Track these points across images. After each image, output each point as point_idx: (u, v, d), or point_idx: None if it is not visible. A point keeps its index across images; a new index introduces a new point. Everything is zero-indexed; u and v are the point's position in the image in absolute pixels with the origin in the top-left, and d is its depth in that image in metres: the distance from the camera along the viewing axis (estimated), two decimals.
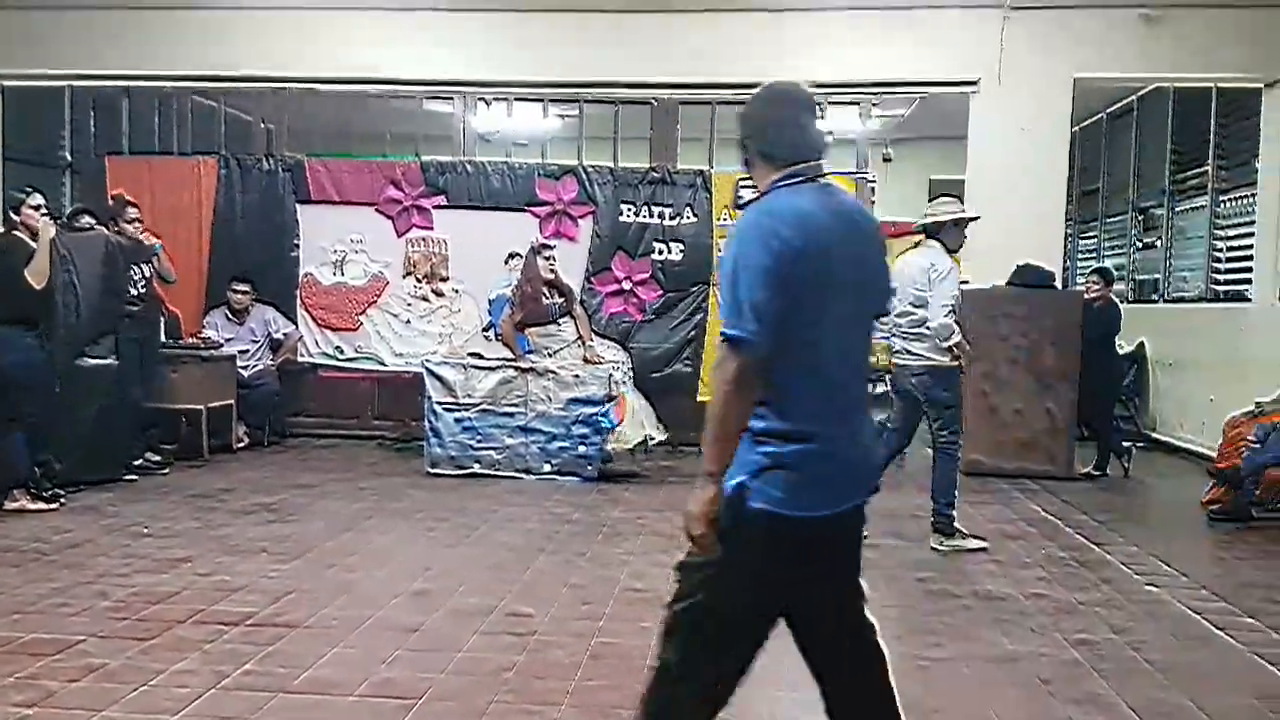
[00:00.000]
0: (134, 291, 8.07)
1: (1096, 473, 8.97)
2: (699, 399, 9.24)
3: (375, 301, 9.70)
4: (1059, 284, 9.49)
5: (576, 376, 8.18)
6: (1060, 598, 5.31)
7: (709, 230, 9.53)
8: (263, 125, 10.34)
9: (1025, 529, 6.84)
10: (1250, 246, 9.86)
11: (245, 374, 9.32)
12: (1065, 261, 11.29)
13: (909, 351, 6.13)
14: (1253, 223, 9.81)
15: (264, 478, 7.94)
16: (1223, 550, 6.58)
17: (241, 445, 9.17)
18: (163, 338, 8.79)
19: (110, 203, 8.31)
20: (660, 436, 8.45)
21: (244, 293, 9.49)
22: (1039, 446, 8.75)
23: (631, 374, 9.04)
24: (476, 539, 6.20)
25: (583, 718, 3.60)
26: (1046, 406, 8.75)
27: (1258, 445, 7.31)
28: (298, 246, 9.75)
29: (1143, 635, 4.72)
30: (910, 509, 6.97)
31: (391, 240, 9.68)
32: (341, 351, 9.67)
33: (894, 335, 6.13)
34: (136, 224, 8.13)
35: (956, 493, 6.22)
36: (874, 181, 10.82)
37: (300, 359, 9.70)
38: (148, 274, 8.24)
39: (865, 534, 2.77)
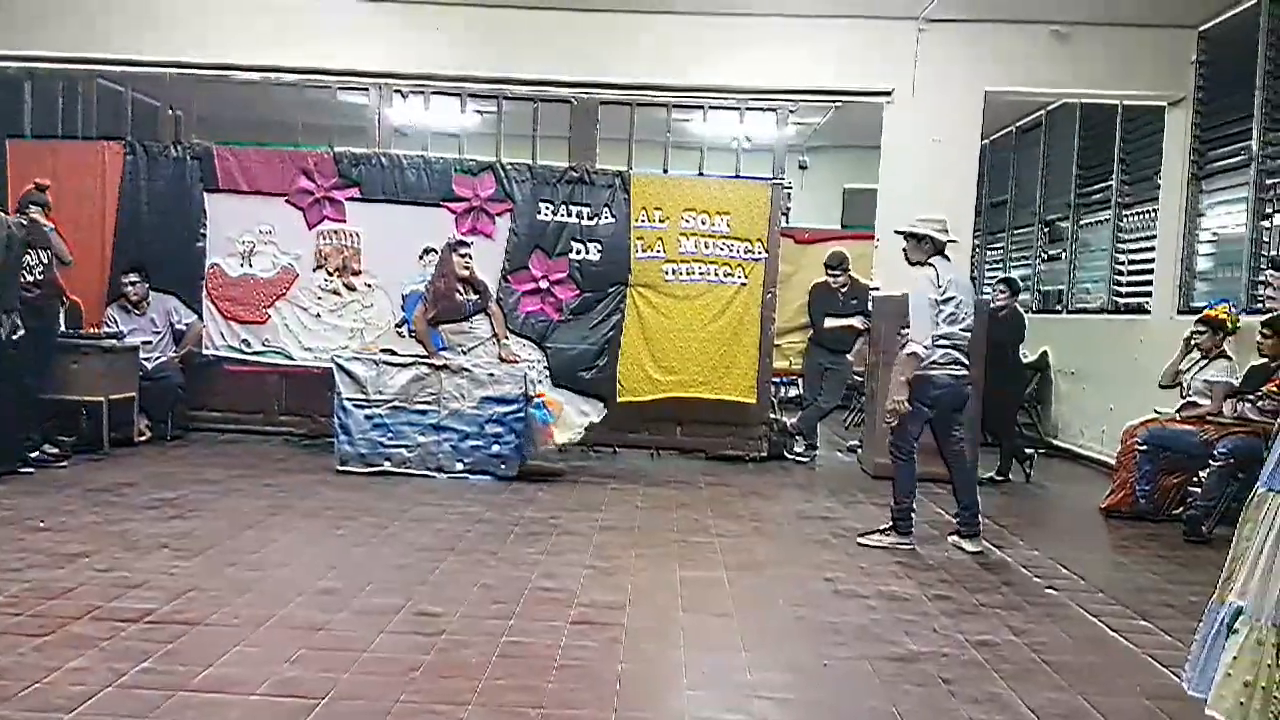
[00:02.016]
0: (31, 277, 7.87)
1: (999, 478, 9.11)
2: (618, 400, 9.31)
3: (284, 294, 9.54)
4: None
5: (491, 375, 8.12)
6: (962, 599, 5.37)
7: (626, 231, 9.53)
8: (171, 111, 10.11)
9: (929, 532, 6.88)
10: (1151, 260, 10.04)
11: (148, 366, 9.15)
12: (973, 271, 11.57)
13: (961, 363, 6.35)
14: (1153, 237, 10.01)
15: (166, 473, 7.80)
16: (1120, 555, 6.70)
17: (143, 439, 9.01)
18: (62, 326, 8.60)
19: (31, 188, 8.14)
20: (597, 417, 8.65)
21: (135, 283, 9.29)
22: None
23: (548, 373, 9.07)
24: (385, 538, 6.13)
25: (490, 717, 3.58)
26: None
27: (1145, 449, 7.54)
28: (204, 236, 9.58)
29: (1042, 637, 4.79)
30: (820, 511, 7.08)
31: (302, 232, 9.54)
32: (248, 345, 9.52)
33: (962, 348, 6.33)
34: (37, 206, 7.94)
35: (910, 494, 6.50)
36: (789, 188, 11.14)
37: (205, 351, 9.54)
38: (46, 260, 8.04)
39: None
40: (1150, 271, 10.01)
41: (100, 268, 9.44)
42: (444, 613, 4.69)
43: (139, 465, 8.04)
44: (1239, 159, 8.83)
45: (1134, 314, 10.23)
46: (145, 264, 9.38)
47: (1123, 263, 10.72)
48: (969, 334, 6.29)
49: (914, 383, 6.15)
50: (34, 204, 7.90)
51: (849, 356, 9.68)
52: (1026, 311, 10.18)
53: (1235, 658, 3.32)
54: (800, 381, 10.54)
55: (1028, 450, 9.52)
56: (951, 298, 6.20)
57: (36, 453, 7.84)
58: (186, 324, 9.54)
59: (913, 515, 6.41)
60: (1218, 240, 9.28)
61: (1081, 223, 11.74)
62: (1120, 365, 9.77)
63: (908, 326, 6.19)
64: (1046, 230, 12.50)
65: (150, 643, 4.14)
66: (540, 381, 8.56)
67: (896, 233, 6.55)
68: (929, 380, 6.23)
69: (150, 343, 9.30)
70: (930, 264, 6.21)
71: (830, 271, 9.68)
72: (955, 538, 6.39)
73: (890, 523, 6.39)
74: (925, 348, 6.09)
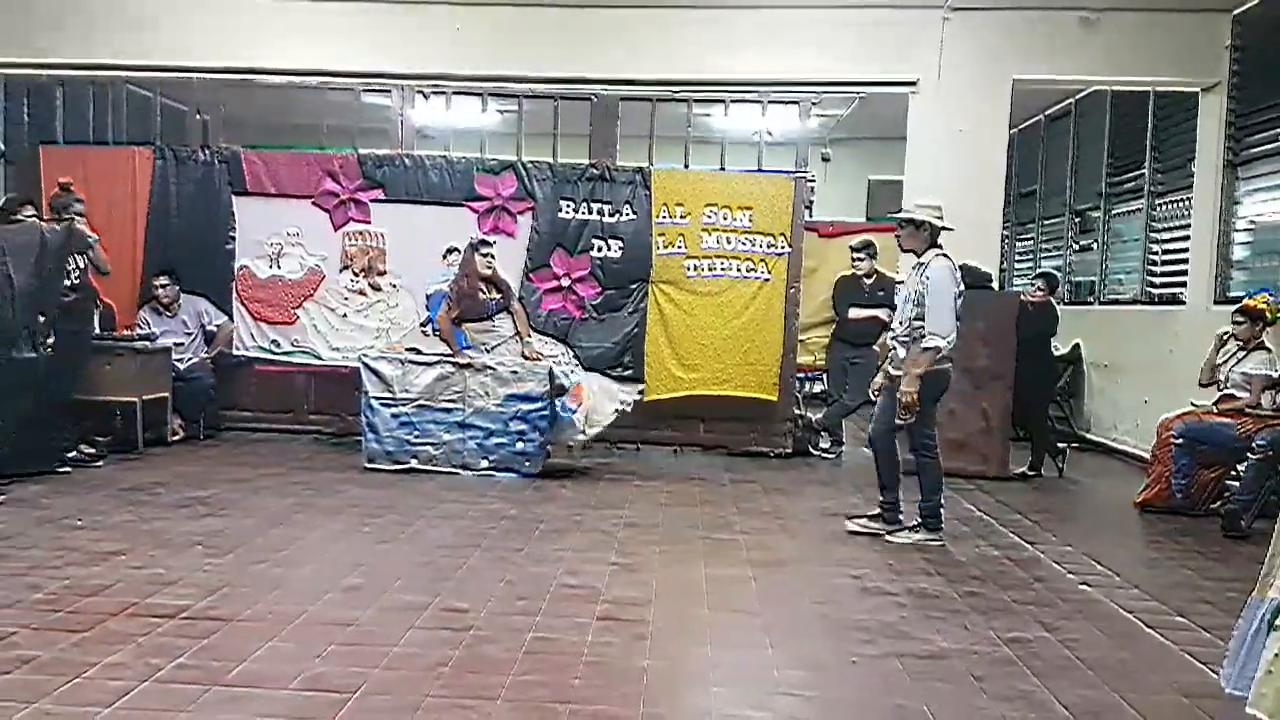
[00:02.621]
0: (68, 282, 7.96)
1: (1031, 473, 9.07)
2: (646, 398, 9.24)
3: (312, 295, 9.63)
4: (995, 285, 9.55)
5: (514, 373, 8.13)
6: (993, 596, 5.34)
7: (648, 228, 9.53)
8: (198, 116, 10.17)
9: (959, 528, 6.84)
10: (1185, 250, 9.93)
11: (180, 367, 9.24)
12: (1002, 264, 11.39)
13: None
14: (1188, 226, 9.90)
15: (198, 472, 7.86)
16: (1154, 550, 6.65)
17: (176, 439, 9.09)
18: (97, 329, 8.68)
19: (55, 192, 8.20)
20: (632, 400, 8.55)
21: (165, 286, 9.40)
22: (973, 447, 8.76)
23: (576, 362, 9.09)
24: (411, 535, 6.15)
25: (517, 712, 3.60)
26: (981, 407, 8.78)
27: (1181, 442, 7.49)
28: (233, 239, 9.66)
29: (1075, 633, 4.77)
30: (845, 507, 7.02)
31: (328, 234, 9.61)
32: (278, 345, 9.61)
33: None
34: (80, 216, 8.02)
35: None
36: (813, 181, 10.88)
37: (235, 352, 9.63)
38: (83, 265, 8.11)
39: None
40: (1185, 261, 9.91)
41: (132, 271, 9.54)
42: (470, 609, 4.71)
43: (172, 464, 8.12)
44: (1277, 144, 8.71)
45: (1168, 305, 10.13)
46: (176, 267, 9.49)
47: (1156, 252, 10.62)
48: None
49: (928, 377, 6.15)
50: (76, 212, 7.98)
51: (875, 348, 9.50)
52: (1058, 303, 10.10)
53: (1277, 655, 3.26)
54: (825, 377, 10.52)
55: (1060, 445, 9.45)
56: (961, 292, 6.23)
57: (73, 453, 7.91)
58: (217, 325, 9.64)
59: (942, 512, 6.40)
60: (1255, 228, 9.15)
61: (1113, 212, 11.64)
62: (1155, 357, 9.70)
63: (920, 319, 6.15)
64: (1077, 220, 12.42)
65: (185, 639, 4.20)
66: (571, 372, 8.52)
67: (890, 216, 6.56)
68: (943, 374, 6.27)
69: (182, 344, 9.39)
70: (945, 254, 6.21)
71: (855, 255, 9.61)
72: (906, 534, 6.41)
73: (918, 520, 6.39)
74: (947, 341, 6.09)
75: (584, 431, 8.17)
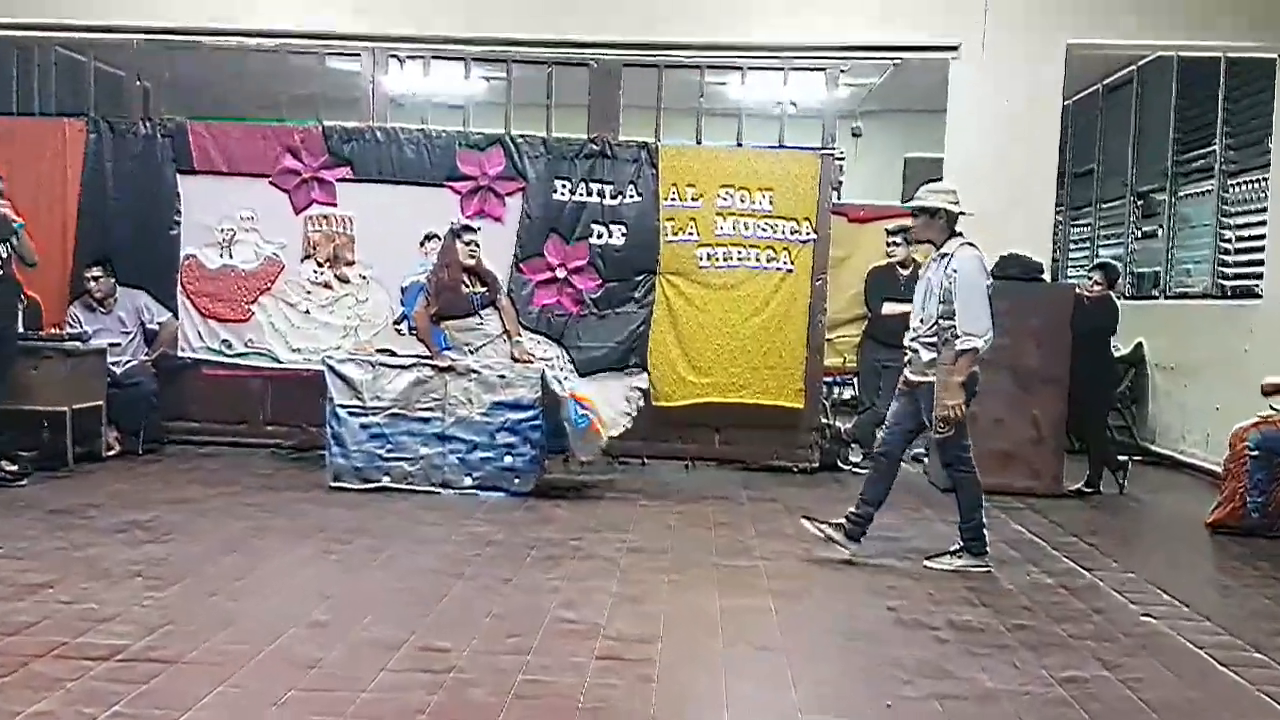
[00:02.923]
0: None
1: (1088, 490, 9.06)
2: (653, 404, 9.32)
3: (269, 288, 9.59)
4: (1047, 276, 9.54)
5: (502, 377, 8.12)
6: (1045, 629, 5.36)
7: (655, 211, 9.52)
8: (139, 83, 10.15)
9: (1007, 552, 6.85)
10: (1262, 236, 9.94)
11: (117, 371, 9.21)
12: (1055, 253, 11.43)
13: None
14: (1264, 210, 9.91)
15: (137, 491, 7.85)
16: (1228, 577, 6.67)
17: (112, 453, 9.06)
18: (20, 328, 8.60)
19: None
20: (641, 392, 8.79)
21: (99, 278, 9.36)
22: (1022, 460, 8.79)
23: (572, 366, 9.15)
24: (385, 562, 6.15)
25: None
26: (1031, 414, 8.79)
27: (1257, 455, 7.49)
28: (178, 224, 9.64)
29: (1138, 672, 4.76)
30: (880, 529, 6.98)
31: (288, 218, 9.59)
32: (229, 346, 9.58)
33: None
34: (1, 198, 7.97)
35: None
36: (841, 158, 10.91)
37: (181, 354, 9.60)
38: (5, 254, 8.07)
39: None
40: (1261, 249, 9.91)
41: (61, 261, 9.49)
42: (452, 648, 4.69)
43: (107, 483, 8.07)
44: None
45: (1242, 298, 10.15)
46: (111, 256, 9.44)
47: (1229, 239, 10.63)
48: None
49: (965, 381, 6.18)
50: None
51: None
52: (1118, 297, 10.06)
53: None
54: (855, 381, 10.50)
55: (1121, 457, 9.48)
56: (992, 281, 6.28)
57: None
58: (159, 323, 9.59)
59: (985, 533, 6.40)
60: None
61: (1180, 194, 11.66)
62: (1227, 358, 9.70)
63: (949, 317, 6.18)
64: (1140, 203, 12.44)
65: (121, 683, 4.14)
66: (566, 378, 8.57)
67: (905, 205, 6.56)
68: (974, 377, 6.29)
69: (119, 345, 9.34)
70: (970, 243, 6.26)
71: (890, 242, 9.60)
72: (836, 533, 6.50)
73: (959, 543, 6.40)
74: (985, 341, 6.14)
75: (604, 439, 8.26)
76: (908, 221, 8.76)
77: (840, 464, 9.79)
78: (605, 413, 8.32)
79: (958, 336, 6.09)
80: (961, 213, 6.33)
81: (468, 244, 8.32)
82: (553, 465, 8.54)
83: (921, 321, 6.33)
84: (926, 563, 6.36)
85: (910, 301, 8.51)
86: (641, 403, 8.64)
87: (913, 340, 6.38)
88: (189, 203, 9.60)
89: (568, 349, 9.36)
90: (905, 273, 9.49)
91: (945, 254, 6.24)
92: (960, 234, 6.29)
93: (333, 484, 8.12)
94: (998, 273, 8.54)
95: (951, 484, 6.39)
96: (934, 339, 6.23)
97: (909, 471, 9.35)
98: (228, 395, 9.73)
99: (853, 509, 6.46)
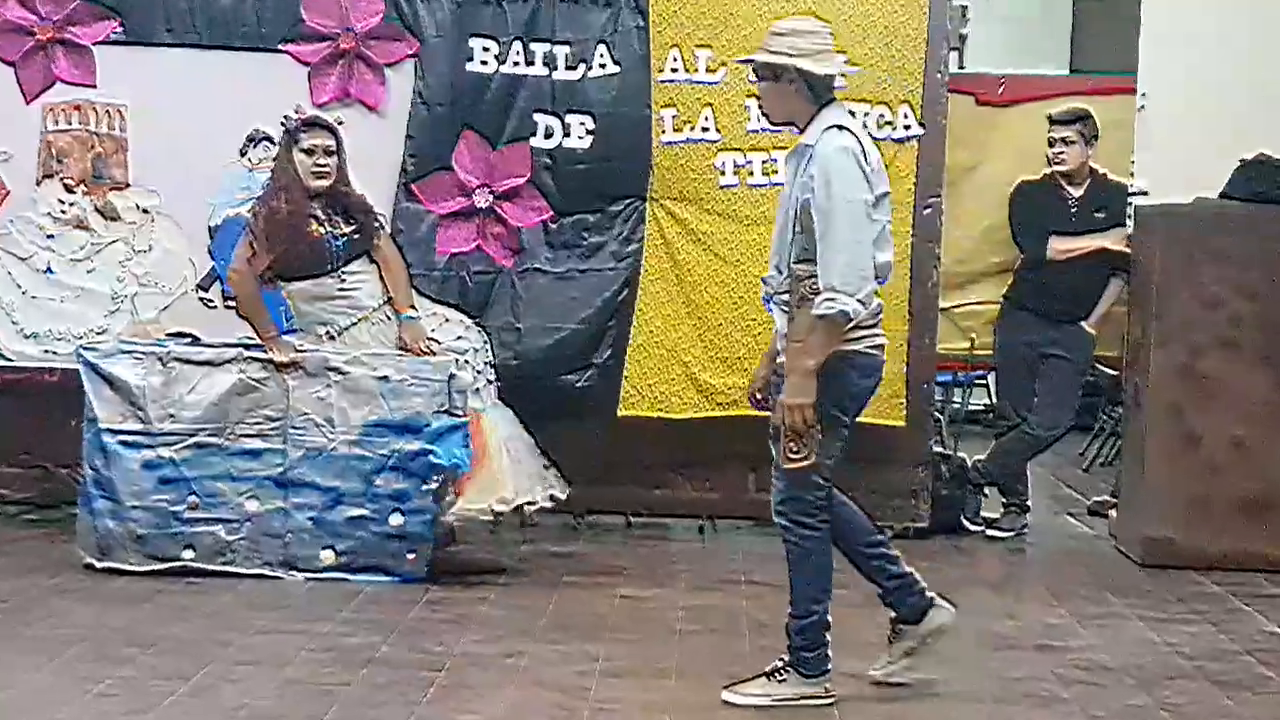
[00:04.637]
0: None
1: None
2: (623, 412, 8.32)
3: None
4: None
5: (385, 379, 7.20)
6: None
7: (645, 91, 8.21)
8: None
9: (1251, 667, 6.00)
10: None
11: None
12: None
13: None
14: None
15: None
16: None
17: None
18: None
19: None
20: (549, 498, 7.57)
21: None
22: None
23: (493, 370, 7.98)
24: (191, 698, 5.28)
25: None
26: None
27: None
28: None
29: None
30: (1035, 632, 6.43)
31: (15, 110, 8.32)
32: None
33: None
34: None
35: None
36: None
37: None
38: None
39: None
40: None
41: None
42: None
43: None
44: None
45: None
46: None
47: None
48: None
49: (830, 369, 5.33)
50: None
51: (1086, 326, 8.47)
52: None
53: None
54: (992, 379, 9.85)
55: None
56: (884, 194, 5.49)
57: None
58: None
59: (828, 638, 5.51)
60: None
61: None
62: None
63: (806, 258, 5.35)
64: None
65: None
66: (479, 388, 7.52)
67: (743, 64, 6.25)
68: (852, 362, 5.42)
69: None
70: (841, 125, 5.41)
71: (1053, 137, 8.57)
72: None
73: (781, 659, 5.59)
74: (863, 302, 5.27)
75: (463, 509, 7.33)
76: (1081, 105, 8.82)
77: (966, 521, 8.65)
78: (499, 466, 7.39)
79: (816, 292, 5.36)
80: (841, 72, 5.72)
81: (314, 152, 7.27)
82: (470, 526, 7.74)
83: (777, 268, 5.71)
84: (727, 695, 5.60)
85: (1086, 234, 8.63)
86: (547, 498, 7.65)
87: (768, 296, 5.88)
88: None
89: (492, 332, 8.09)
90: (1078, 191, 8.58)
91: (807, 145, 5.46)
92: (840, 110, 5.56)
93: (96, 562, 7.15)
94: (1234, 190, 8.11)
95: (787, 553, 5.69)
96: (788, 295, 5.64)
97: (1086, 533, 9.34)
98: None
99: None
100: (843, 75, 5.79)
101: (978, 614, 7.04)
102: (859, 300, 5.17)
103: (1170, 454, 7.68)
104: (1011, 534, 8.71)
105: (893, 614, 5.70)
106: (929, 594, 5.68)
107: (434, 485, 7.20)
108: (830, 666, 5.59)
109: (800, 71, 5.35)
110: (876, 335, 5.52)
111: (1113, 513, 8.92)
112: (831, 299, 5.15)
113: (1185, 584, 7.44)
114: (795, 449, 5.39)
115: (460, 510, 7.38)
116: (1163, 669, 5.95)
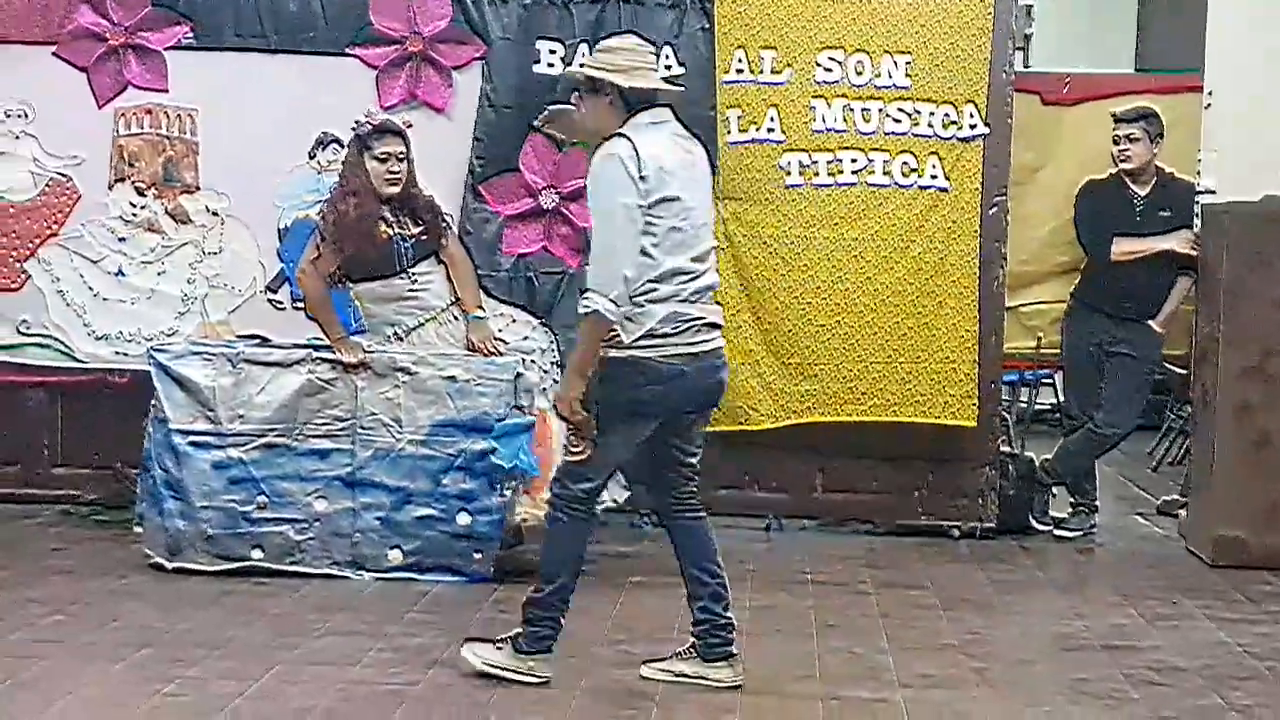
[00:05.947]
0: None
1: None
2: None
3: (53, 233, 8.45)
4: None
5: (452, 378, 7.26)
6: None
7: (709, 93, 8.30)
8: None
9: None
10: None
11: None
12: None
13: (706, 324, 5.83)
14: None
15: None
16: None
17: None
18: None
19: None
20: (620, 497, 7.66)
21: None
22: None
23: (560, 371, 8.00)
24: (256, 701, 5.33)
25: None
26: None
27: None
28: None
29: None
30: (1103, 633, 6.40)
31: (87, 114, 8.44)
32: None
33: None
34: None
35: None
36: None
37: None
38: None
39: None
40: None
41: None
42: None
43: None
44: None
45: None
46: None
47: None
48: (710, 263, 5.87)
49: (607, 369, 5.51)
50: None
51: (1154, 324, 8.44)
52: None
53: None
54: (1059, 378, 9.77)
55: None
56: (671, 198, 5.46)
57: None
58: None
59: (559, 620, 5.71)
60: None
61: None
62: None
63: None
64: None
65: None
66: (546, 388, 7.52)
67: (569, 74, 6.68)
68: (640, 368, 5.51)
69: None
70: (623, 134, 5.52)
71: (1119, 134, 8.53)
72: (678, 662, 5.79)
73: (514, 631, 5.81)
74: (616, 301, 5.36)
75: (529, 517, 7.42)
76: (1147, 104, 8.79)
77: (1034, 520, 8.67)
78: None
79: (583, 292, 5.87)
80: (661, 89, 5.72)
81: (386, 160, 7.38)
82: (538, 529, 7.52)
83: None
84: (464, 650, 5.83)
85: (1153, 235, 8.62)
86: (618, 499, 7.74)
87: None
88: None
89: (558, 332, 8.25)
90: (1143, 190, 8.59)
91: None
92: (646, 114, 5.57)
93: (165, 561, 7.19)
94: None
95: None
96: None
97: (1156, 534, 9.31)
98: None
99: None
100: (671, 88, 5.86)
101: (1046, 615, 7.18)
102: (611, 300, 5.33)
103: (1240, 454, 7.69)
104: (1080, 534, 8.76)
105: (694, 638, 5.81)
106: (735, 651, 5.73)
107: (507, 494, 7.24)
108: (549, 648, 5.73)
109: (614, 86, 5.55)
110: (682, 345, 5.57)
111: (1181, 512, 8.94)
112: (586, 299, 5.39)
113: (1256, 584, 7.40)
114: (573, 443, 5.64)
115: (527, 510, 7.45)
116: (1233, 670, 5.96)
